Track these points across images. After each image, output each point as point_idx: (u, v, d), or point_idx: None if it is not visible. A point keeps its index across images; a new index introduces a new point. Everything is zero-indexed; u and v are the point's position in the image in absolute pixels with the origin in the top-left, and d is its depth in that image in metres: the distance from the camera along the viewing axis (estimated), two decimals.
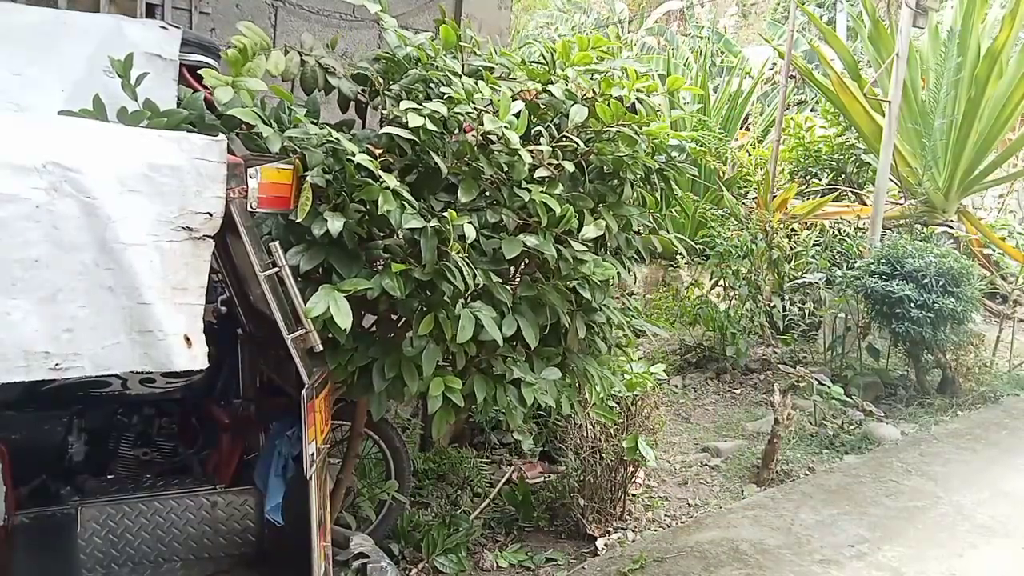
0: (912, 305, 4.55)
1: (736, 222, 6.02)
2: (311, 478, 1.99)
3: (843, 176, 8.18)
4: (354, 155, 1.82)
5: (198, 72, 1.89)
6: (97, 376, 1.66)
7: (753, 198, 6.78)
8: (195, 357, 1.56)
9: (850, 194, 7.84)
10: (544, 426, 3.76)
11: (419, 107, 1.96)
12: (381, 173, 1.84)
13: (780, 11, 13.52)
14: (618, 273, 2.36)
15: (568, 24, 14.44)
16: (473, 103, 2.04)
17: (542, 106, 2.31)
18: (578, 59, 2.31)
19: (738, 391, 5.33)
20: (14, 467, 2.24)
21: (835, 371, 5.12)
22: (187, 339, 1.55)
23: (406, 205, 1.89)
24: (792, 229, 6.17)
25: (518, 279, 2.32)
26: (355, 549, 2.49)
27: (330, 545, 2.26)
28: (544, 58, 2.39)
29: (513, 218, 2.14)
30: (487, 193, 2.17)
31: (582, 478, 3.38)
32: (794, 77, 9.05)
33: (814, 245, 6.11)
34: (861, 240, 5.76)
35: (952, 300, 4.56)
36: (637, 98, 2.31)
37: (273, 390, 2.64)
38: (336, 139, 1.86)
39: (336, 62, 2.22)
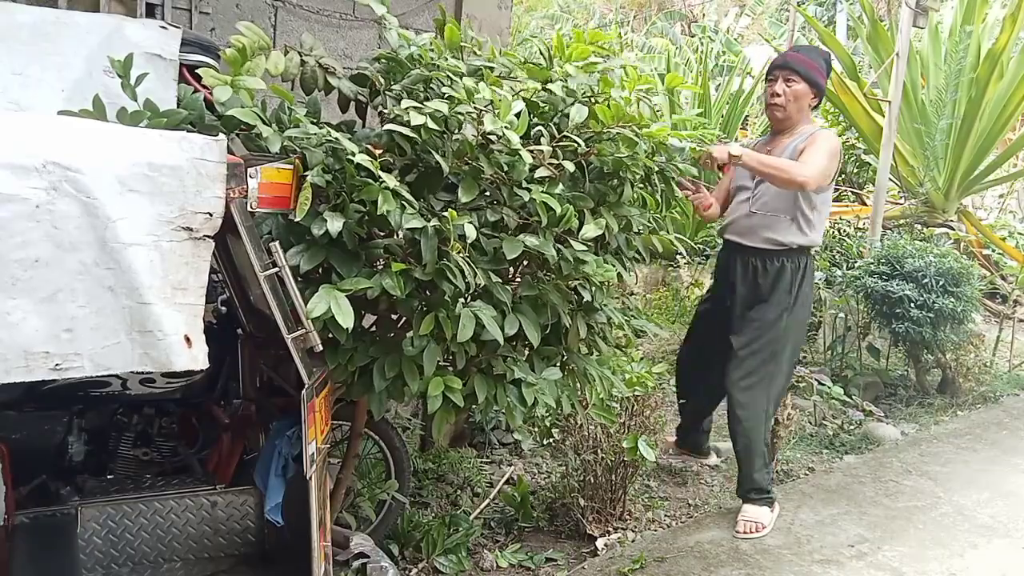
0: (912, 305, 4.55)
1: None
2: (311, 478, 1.99)
3: (843, 176, 8.18)
4: (354, 155, 1.82)
5: (197, 72, 1.88)
6: (97, 376, 1.66)
7: None
8: (195, 357, 1.56)
9: (850, 194, 7.84)
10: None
11: (420, 106, 1.96)
12: (381, 173, 1.84)
13: (782, 11, 13.52)
14: (619, 274, 2.36)
15: (570, 24, 14.45)
16: (474, 103, 2.03)
17: (542, 104, 2.31)
18: (575, 53, 2.30)
19: None
20: (14, 467, 2.24)
21: (835, 371, 5.12)
22: (187, 339, 1.55)
23: (406, 205, 1.88)
24: None
25: (518, 279, 2.31)
26: (355, 549, 2.49)
27: (330, 545, 2.26)
28: (543, 55, 2.39)
29: (513, 218, 2.14)
30: (487, 193, 2.17)
31: (582, 478, 3.38)
32: None
33: None
34: (861, 240, 5.76)
35: (952, 300, 4.56)
36: (639, 99, 2.30)
37: (273, 390, 2.64)
38: (336, 139, 1.86)
39: (336, 62, 2.22)
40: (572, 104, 2.22)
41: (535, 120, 2.27)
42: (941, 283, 4.59)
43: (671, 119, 2.53)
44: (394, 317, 2.27)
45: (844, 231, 6.25)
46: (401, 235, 2.07)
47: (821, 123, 8.50)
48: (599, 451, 3.30)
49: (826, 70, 3.27)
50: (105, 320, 1.49)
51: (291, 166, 1.86)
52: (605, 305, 2.42)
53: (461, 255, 1.93)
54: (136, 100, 1.83)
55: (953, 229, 6.65)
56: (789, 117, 3.23)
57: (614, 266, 2.28)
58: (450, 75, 2.10)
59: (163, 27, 2.17)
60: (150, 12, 3.16)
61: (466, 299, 2.04)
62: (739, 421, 3.33)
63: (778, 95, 3.21)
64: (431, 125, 1.93)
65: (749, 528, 3.25)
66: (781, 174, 3.05)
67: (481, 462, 3.89)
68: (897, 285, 4.62)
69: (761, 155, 3.15)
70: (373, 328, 2.28)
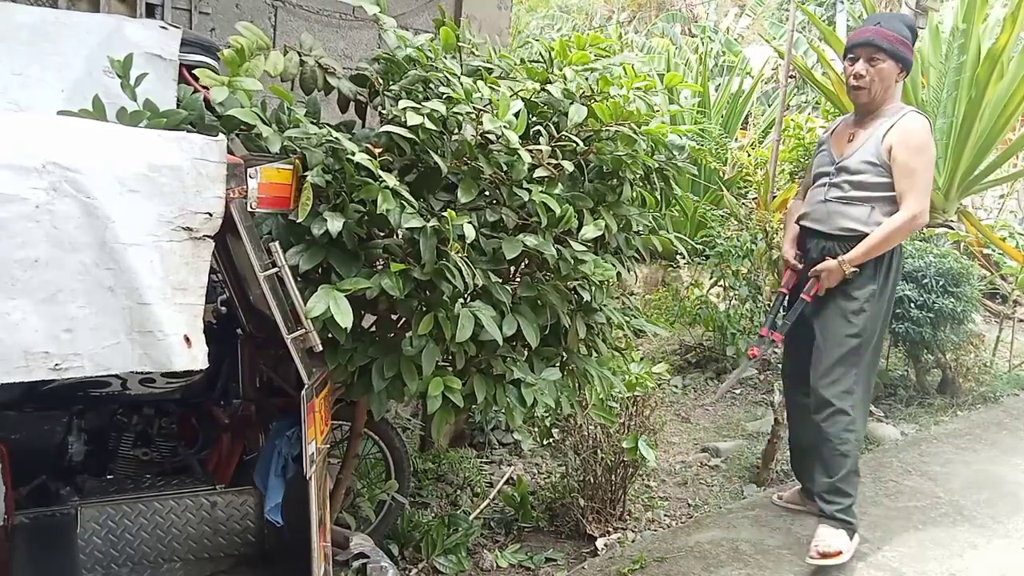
0: (912, 305, 4.55)
1: (736, 222, 6.02)
2: (311, 478, 1.99)
3: None
4: (354, 154, 1.82)
5: (196, 72, 1.89)
6: (97, 376, 1.66)
7: (753, 198, 6.78)
8: (195, 357, 1.56)
9: None
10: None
11: (418, 106, 1.96)
12: (380, 172, 1.84)
13: (781, 11, 13.52)
14: (618, 273, 2.36)
15: (570, 24, 14.44)
16: (472, 103, 2.04)
17: (541, 104, 2.31)
18: (575, 59, 2.31)
19: (738, 391, 5.33)
20: (14, 467, 2.24)
21: None
22: (187, 339, 1.55)
23: (405, 204, 1.89)
24: None
25: (518, 279, 2.32)
26: (355, 549, 2.49)
27: (330, 545, 2.26)
28: (543, 56, 2.39)
29: (513, 218, 2.14)
30: (486, 193, 2.17)
31: (582, 478, 3.38)
32: (794, 77, 9.05)
33: None
34: None
35: (952, 300, 4.56)
36: (638, 96, 2.30)
37: (273, 390, 2.64)
38: (336, 139, 1.86)
39: (336, 62, 2.22)
40: (571, 104, 2.23)
41: (534, 119, 2.27)
42: (941, 283, 4.59)
43: (668, 113, 2.51)
44: (394, 317, 2.27)
45: None
46: (400, 235, 2.07)
47: (821, 123, 8.49)
48: (599, 451, 3.30)
49: (912, 38, 2.97)
50: (105, 320, 1.49)
51: (291, 166, 1.86)
52: (604, 305, 2.42)
53: (460, 255, 1.93)
54: (136, 100, 1.83)
55: (953, 229, 6.64)
56: (874, 99, 2.96)
57: (613, 266, 2.28)
58: (447, 75, 2.10)
59: (163, 27, 2.17)
60: (150, 12, 3.17)
61: (465, 299, 2.04)
62: (822, 422, 2.98)
63: (861, 76, 2.92)
64: (428, 125, 1.93)
65: (824, 553, 2.87)
66: (896, 238, 2.90)
67: (481, 462, 3.89)
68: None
69: (860, 247, 2.89)
70: (373, 328, 2.29)
